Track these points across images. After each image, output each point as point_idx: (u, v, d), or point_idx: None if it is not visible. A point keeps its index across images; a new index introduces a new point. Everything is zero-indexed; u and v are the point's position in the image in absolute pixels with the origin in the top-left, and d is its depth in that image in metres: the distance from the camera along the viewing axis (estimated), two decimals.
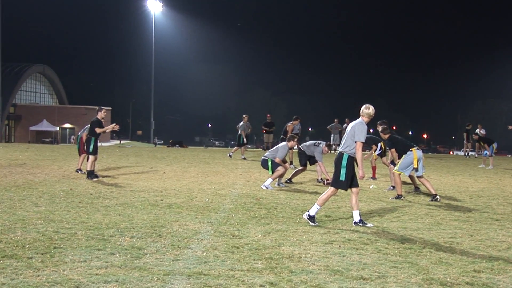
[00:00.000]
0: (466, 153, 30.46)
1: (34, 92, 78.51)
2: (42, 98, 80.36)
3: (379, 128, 12.82)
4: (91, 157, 14.10)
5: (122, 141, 74.47)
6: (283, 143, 14.04)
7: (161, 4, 65.53)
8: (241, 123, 23.52)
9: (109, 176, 14.68)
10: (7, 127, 69.51)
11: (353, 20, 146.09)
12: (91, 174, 13.87)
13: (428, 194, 12.20)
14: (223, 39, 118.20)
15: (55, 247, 6.55)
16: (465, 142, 30.45)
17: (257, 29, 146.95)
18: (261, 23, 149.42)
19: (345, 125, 29.75)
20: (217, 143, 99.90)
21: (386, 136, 12.63)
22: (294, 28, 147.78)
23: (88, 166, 14.05)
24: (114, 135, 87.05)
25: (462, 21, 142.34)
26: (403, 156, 12.05)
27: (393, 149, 12.43)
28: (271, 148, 30.69)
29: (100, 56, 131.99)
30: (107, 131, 14.98)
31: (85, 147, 14.70)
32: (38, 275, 5.44)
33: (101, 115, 14.60)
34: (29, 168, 16.28)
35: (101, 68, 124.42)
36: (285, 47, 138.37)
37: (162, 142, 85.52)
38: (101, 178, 14.08)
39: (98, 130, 14.30)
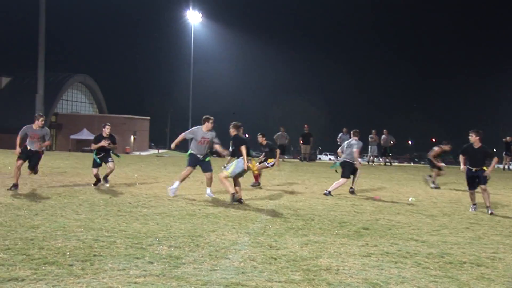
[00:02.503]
0: (506, 166, 29.77)
1: (75, 101, 79.79)
2: (82, 107, 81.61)
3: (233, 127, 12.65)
4: (94, 170, 14.19)
5: (160, 151, 75.05)
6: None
7: (200, 15, 66.11)
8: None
9: (147, 184, 14.81)
10: None
11: (395, 31, 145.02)
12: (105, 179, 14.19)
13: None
14: (261, 49, 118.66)
15: (94, 255, 6.64)
16: (504, 154, 29.75)
17: (297, 40, 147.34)
18: (300, 33, 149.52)
19: (383, 136, 29.39)
20: (254, 153, 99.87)
21: (234, 133, 12.40)
22: (333, 39, 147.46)
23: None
24: (152, 144, 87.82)
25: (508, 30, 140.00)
26: (236, 160, 11.99)
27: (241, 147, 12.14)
28: (308, 159, 30.73)
29: (140, 66, 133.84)
30: (93, 147, 14.25)
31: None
32: (79, 282, 5.52)
33: (105, 131, 14.24)
34: (69, 176, 16.55)
35: (140, 78, 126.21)
36: (324, 57, 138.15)
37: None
38: (100, 185, 14.11)
39: (92, 146, 14.21)
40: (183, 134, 13.00)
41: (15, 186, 12.67)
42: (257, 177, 15.60)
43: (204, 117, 12.88)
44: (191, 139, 12.78)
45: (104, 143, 13.97)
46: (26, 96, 54.53)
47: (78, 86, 79.70)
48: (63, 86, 73.30)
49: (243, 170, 12.00)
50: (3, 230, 7.95)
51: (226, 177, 11.97)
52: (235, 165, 12.00)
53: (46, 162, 21.61)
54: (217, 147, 13.00)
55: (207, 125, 12.69)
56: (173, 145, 13.07)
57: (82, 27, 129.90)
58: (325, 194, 13.97)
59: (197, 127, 12.94)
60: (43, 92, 45.62)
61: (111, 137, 14.23)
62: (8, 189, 12.48)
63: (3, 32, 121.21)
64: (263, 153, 15.87)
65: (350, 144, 14.54)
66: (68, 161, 23.77)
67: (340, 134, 28.08)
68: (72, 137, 67.69)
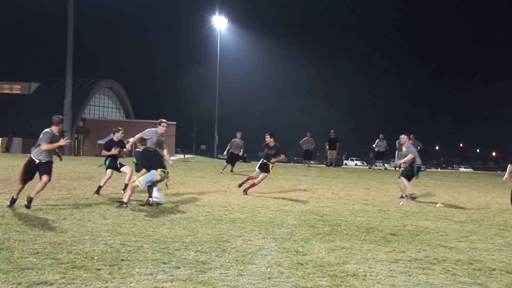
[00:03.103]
0: None
1: (102, 106, 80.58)
2: (109, 113, 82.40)
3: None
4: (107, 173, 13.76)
5: (186, 155, 75.38)
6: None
7: (227, 20, 66.37)
8: (234, 139, 22.73)
9: (173, 189, 14.86)
10: (76, 140, 71.63)
11: (421, 36, 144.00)
12: (97, 191, 13.45)
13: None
14: (287, 55, 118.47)
15: (122, 259, 6.68)
16: None
17: (322, 45, 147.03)
18: (327, 38, 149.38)
19: (410, 141, 29.12)
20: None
21: (142, 148, 12.11)
22: (358, 44, 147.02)
23: (101, 182, 13.72)
24: (178, 149, 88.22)
25: None
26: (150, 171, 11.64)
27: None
28: (335, 164, 30.60)
29: (166, 71, 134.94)
30: (103, 154, 13.65)
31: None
32: (107, 287, 5.56)
33: (117, 136, 13.82)
34: (97, 181, 16.64)
35: (166, 83, 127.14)
36: (350, 62, 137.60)
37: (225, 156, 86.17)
38: (96, 196, 13.21)
39: (103, 153, 13.65)
40: (140, 135, 12.90)
41: (13, 201, 10.82)
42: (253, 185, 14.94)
43: (158, 120, 13.11)
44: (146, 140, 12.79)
45: (114, 151, 13.52)
46: (54, 102, 55.18)
47: (105, 92, 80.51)
48: (90, 92, 74.12)
49: (156, 181, 11.74)
50: (32, 234, 8.06)
51: (136, 186, 11.59)
52: (147, 175, 11.60)
53: (74, 167, 21.90)
54: (165, 151, 13.42)
55: (161, 128, 12.83)
56: (128, 146, 13.31)
57: (109, 34, 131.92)
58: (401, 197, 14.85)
59: (152, 129, 13.22)
60: (71, 97, 46.28)
61: (120, 142, 13.80)
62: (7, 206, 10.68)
63: (32, 39, 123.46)
64: (265, 153, 14.89)
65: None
66: (96, 166, 23.97)
67: (377, 141, 28.56)
68: (99, 142, 68.21)
